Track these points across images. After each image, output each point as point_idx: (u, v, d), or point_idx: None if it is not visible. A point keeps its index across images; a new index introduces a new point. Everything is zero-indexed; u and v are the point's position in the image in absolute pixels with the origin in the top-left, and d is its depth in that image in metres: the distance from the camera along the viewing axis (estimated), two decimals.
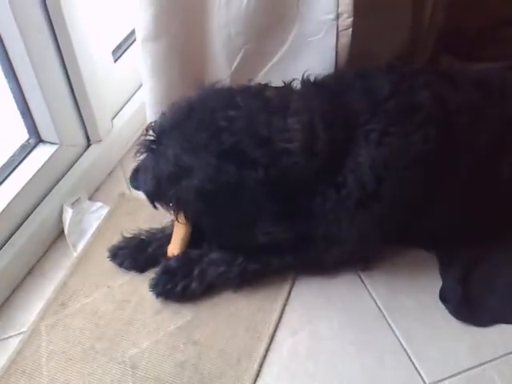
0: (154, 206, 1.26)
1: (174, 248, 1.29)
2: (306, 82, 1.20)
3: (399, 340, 1.20)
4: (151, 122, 1.22)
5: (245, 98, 1.15)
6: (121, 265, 1.33)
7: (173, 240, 1.30)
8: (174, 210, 1.24)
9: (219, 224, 1.20)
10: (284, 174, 1.11)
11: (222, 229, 1.22)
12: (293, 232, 1.21)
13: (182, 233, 1.30)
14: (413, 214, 1.21)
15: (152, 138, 1.20)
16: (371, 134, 1.13)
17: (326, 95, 1.17)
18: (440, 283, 1.26)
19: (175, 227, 1.31)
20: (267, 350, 1.19)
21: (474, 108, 1.18)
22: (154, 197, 1.24)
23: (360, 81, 1.18)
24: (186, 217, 1.23)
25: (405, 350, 1.18)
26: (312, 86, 1.20)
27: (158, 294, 1.26)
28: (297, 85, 1.20)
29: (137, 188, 1.29)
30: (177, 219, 1.25)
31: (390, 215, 1.18)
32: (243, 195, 1.12)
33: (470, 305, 1.21)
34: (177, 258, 1.27)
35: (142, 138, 1.22)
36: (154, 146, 1.20)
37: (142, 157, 1.24)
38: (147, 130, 1.21)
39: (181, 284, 1.25)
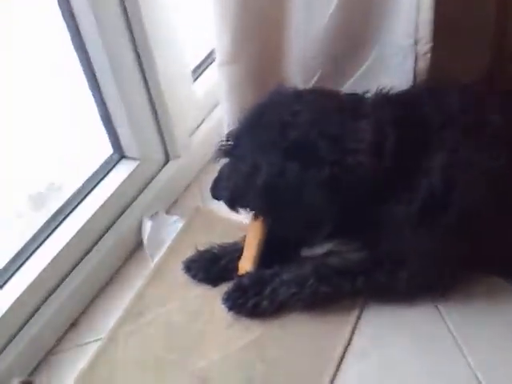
0: (236, 211, 1.28)
1: (245, 264, 1.31)
2: (378, 94, 1.20)
3: (474, 371, 1.15)
4: (229, 130, 1.25)
5: (314, 96, 1.17)
6: (194, 277, 1.36)
7: (244, 256, 1.33)
8: (251, 212, 1.26)
9: (285, 223, 1.21)
10: (349, 175, 1.09)
11: (288, 229, 1.22)
12: (358, 248, 1.21)
13: (254, 249, 1.31)
14: (484, 234, 1.16)
15: (228, 143, 1.23)
16: (446, 142, 1.11)
17: (397, 104, 1.17)
18: None
19: (247, 243, 1.33)
20: (335, 375, 1.17)
21: None
22: (233, 202, 1.26)
23: (432, 95, 1.17)
24: (257, 217, 1.26)
25: (479, 380, 1.13)
26: (384, 97, 1.20)
27: (230, 308, 1.28)
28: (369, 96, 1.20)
29: (217, 198, 1.31)
30: (254, 221, 1.29)
31: (457, 232, 1.14)
32: (305, 194, 1.11)
33: None
34: (250, 275, 1.29)
35: (220, 144, 1.25)
36: (230, 151, 1.23)
37: (220, 163, 1.28)
38: (224, 138, 1.24)
39: (252, 301, 1.26)
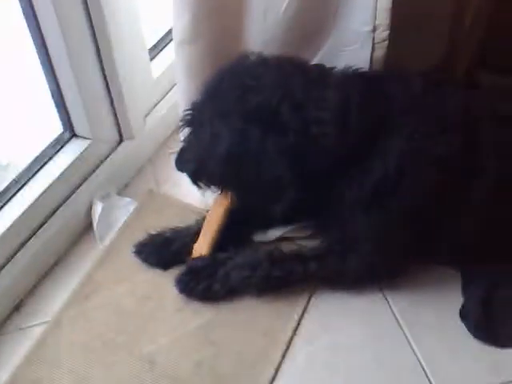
0: (198, 186, 1.25)
1: (201, 248, 1.30)
2: (345, 69, 1.18)
3: (418, 358, 1.18)
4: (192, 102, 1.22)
5: (280, 61, 1.14)
6: (145, 261, 1.34)
7: (201, 240, 1.31)
8: (213, 186, 1.24)
9: (247, 192, 1.19)
10: (312, 145, 1.07)
11: (250, 198, 1.21)
12: (311, 234, 1.20)
13: (213, 233, 1.31)
14: (434, 223, 1.18)
15: (190, 112, 1.19)
16: (405, 127, 1.11)
17: (363, 81, 1.16)
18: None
19: (206, 226, 1.32)
20: (283, 357, 1.18)
21: (500, 119, 1.16)
22: (197, 174, 1.23)
23: (397, 78, 1.18)
24: (218, 188, 1.24)
25: (423, 368, 1.16)
26: (351, 73, 1.18)
27: (181, 290, 1.26)
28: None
29: (181, 170, 1.27)
30: (217, 204, 1.27)
31: (406, 218, 1.15)
32: (266, 161, 1.09)
33: (489, 325, 1.18)
34: (203, 258, 1.28)
35: (183, 114, 1.22)
36: (192, 121, 1.20)
37: (184, 134, 1.25)
38: (187, 108, 1.21)
39: (203, 284, 1.25)
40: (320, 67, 1.18)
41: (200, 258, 1.28)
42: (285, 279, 1.26)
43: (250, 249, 1.29)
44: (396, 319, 1.24)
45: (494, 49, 1.44)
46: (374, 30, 1.16)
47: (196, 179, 1.25)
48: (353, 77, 1.17)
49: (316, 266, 1.25)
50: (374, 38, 1.17)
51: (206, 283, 1.25)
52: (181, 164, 1.26)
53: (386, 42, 1.16)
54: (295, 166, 1.08)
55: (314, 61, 1.27)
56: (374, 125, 1.11)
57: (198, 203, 1.48)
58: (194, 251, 1.32)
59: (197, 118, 1.19)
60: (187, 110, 1.20)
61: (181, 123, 1.24)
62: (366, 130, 1.10)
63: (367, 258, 1.22)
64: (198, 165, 1.21)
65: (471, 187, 1.15)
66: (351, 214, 1.16)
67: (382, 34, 1.16)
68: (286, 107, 1.06)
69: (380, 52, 1.18)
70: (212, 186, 1.25)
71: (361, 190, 1.13)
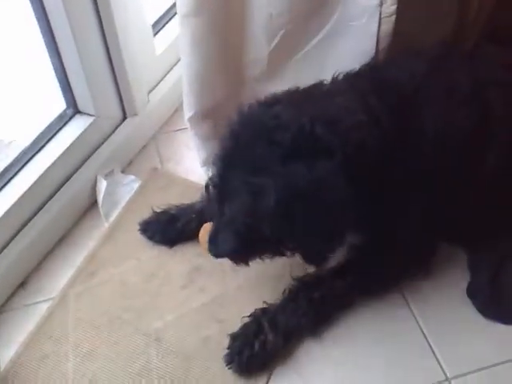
0: (245, 263, 1.14)
1: None
2: (335, 77, 1.15)
3: (425, 335, 1.19)
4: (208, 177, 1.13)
5: (284, 95, 1.09)
6: (151, 238, 1.34)
7: None
8: (266, 253, 1.12)
9: (306, 238, 1.05)
10: (360, 151, 1.00)
11: (311, 243, 1.07)
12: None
13: None
14: (450, 198, 1.15)
15: (214, 188, 1.10)
16: (429, 101, 1.09)
17: (366, 77, 1.13)
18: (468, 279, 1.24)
19: None
20: None
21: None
22: (243, 248, 1.09)
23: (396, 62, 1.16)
24: (271, 253, 1.12)
25: (429, 343, 1.17)
26: (348, 75, 1.15)
27: (239, 365, 1.13)
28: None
29: (221, 255, 1.13)
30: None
31: (440, 196, 1.11)
32: (324, 195, 0.99)
33: (497, 302, 1.19)
34: (240, 328, 1.17)
35: (205, 189, 1.14)
36: (220, 191, 1.08)
37: (211, 214, 1.14)
38: (207, 187, 1.12)
39: (257, 342, 1.14)
40: (317, 84, 1.13)
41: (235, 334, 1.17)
42: (328, 297, 1.19)
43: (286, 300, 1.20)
44: (404, 297, 1.24)
45: (503, 23, 1.42)
46: (382, 3, 1.13)
47: (242, 256, 1.13)
48: (351, 76, 1.14)
49: (352, 273, 1.21)
50: (381, 12, 1.14)
51: (259, 340, 1.15)
52: (219, 247, 1.11)
53: (394, 17, 1.14)
54: (352, 181, 0.99)
55: (321, 35, 1.25)
56: (400, 113, 1.08)
57: (202, 180, 1.47)
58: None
59: (222, 190, 1.08)
60: (208, 182, 1.12)
61: (204, 199, 1.17)
62: (396, 120, 1.07)
63: (406, 248, 1.18)
64: (241, 238, 1.06)
65: (483, 159, 1.13)
66: (394, 205, 1.10)
67: (390, 8, 1.13)
68: (320, 128, 0.98)
69: (387, 26, 1.15)
70: (263, 256, 1.13)
71: (406, 175, 1.07)
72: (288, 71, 1.32)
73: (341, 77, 1.15)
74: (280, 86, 1.32)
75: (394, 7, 1.13)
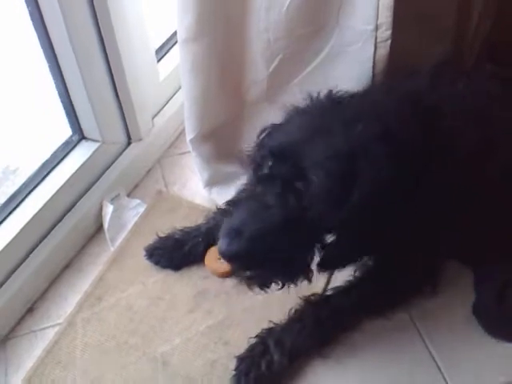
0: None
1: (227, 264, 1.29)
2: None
3: (431, 354, 1.18)
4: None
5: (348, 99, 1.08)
6: (157, 264, 1.35)
7: None
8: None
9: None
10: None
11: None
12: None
13: None
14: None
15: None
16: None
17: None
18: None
19: None
20: None
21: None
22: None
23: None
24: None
25: (436, 362, 1.17)
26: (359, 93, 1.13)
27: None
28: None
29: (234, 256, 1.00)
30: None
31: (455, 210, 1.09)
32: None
33: (503, 321, 1.18)
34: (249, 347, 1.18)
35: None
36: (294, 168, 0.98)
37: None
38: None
39: (263, 362, 1.14)
40: (330, 94, 1.09)
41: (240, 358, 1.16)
42: (334, 317, 1.19)
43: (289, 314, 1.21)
44: (410, 317, 1.24)
45: (502, 43, 1.43)
46: (377, 28, 1.14)
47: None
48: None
49: (358, 292, 1.20)
50: (376, 37, 1.16)
51: (265, 361, 1.15)
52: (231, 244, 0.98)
53: (389, 42, 1.15)
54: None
55: (318, 59, 1.27)
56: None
57: (207, 203, 1.48)
58: (216, 257, 1.30)
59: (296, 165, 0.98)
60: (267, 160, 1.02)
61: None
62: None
63: (415, 268, 1.18)
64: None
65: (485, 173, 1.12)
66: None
67: (385, 33, 1.14)
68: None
69: (383, 51, 1.17)
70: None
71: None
72: (287, 94, 1.33)
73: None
74: (279, 108, 1.35)
75: (389, 32, 1.14)
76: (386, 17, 1.11)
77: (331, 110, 1.04)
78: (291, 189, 0.97)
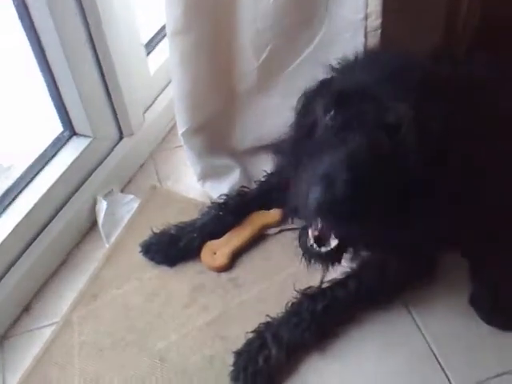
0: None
1: (222, 254, 1.31)
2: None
3: (427, 341, 1.18)
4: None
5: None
6: (152, 259, 1.34)
7: (223, 244, 1.32)
8: None
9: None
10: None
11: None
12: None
13: (240, 241, 1.33)
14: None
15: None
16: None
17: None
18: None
19: (236, 232, 1.34)
20: None
21: None
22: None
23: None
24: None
25: (434, 354, 1.17)
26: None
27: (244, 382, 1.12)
28: None
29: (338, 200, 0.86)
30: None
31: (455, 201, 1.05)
32: None
33: (500, 311, 1.18)
34: (245, 345, 1.17)
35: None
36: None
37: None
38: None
39: (260, 356, 1.13)
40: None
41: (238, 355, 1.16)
42: (331, 309, 1.19)
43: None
44: (407, 308, 1.24)
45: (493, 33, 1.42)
46: (366, 17, 1.13)
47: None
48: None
49: (355, 283, 1.19)
50: (366, 27, 1.15)
51: (262, 355, 1.14)
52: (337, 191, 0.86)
53: (379, 31, 1.14)
54: None
55: (308, 49, 1.26)
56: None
57: (201, 197, 1.48)
58: (211, 252, 1.32)
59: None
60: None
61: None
62: None
63: (411, 258, 1.18)
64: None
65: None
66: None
67: (375, 22, 1.13)
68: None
69: (373, 40, 1.16)
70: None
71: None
72: (279, 84, 1.32)
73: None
74: (272, 98, 1.35)
75: (379, 21, 1.13)
76: (375, 5, 1.10)
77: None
78: (380, 125, 0.92)
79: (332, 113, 0.96)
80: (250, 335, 1.18)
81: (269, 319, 1.19)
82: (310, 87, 1.11)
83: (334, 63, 1.08)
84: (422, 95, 0.93)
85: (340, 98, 0.96)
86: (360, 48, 1.18)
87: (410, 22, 1.20)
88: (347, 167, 0.87)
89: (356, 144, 0.90)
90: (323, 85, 1.09)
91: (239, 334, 1.19)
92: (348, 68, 1.06)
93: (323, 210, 0.86)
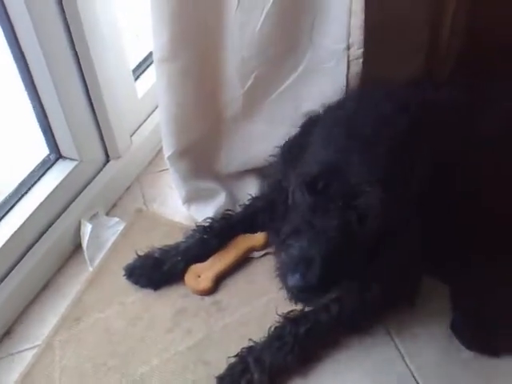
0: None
1: (206, 277, 1.31)
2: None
3: (408, 365, 1.19)
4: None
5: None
6: (136, 283, 1.34)
7: (207, 268, 1.33)
8: None
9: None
10: None
11: None
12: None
13: (224, 265, 1.33)
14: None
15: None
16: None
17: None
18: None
19: (221, 255, 1.34)
20: None
21: None
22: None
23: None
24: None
25: (414, 377, 1.17)
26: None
27: None
28: None
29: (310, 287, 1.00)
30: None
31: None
32: None
33: (480, 335, 1.19)
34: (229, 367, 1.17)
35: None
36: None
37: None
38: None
39: (243, 381, 1.14)
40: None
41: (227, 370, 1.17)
42: (314, 333, 1.18)
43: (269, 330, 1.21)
44: (389, 332, 1.24)
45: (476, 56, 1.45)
46: (349, 47, 1.16)
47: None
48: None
49: (338, 307, 1.19)
50: (349, 55, 1.18)
51: (245, 379, 1.14)
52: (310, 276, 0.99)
53: (361, 60, 1.17)
54: None
55: (293, 77, 1.28)
56: None
57: (186, 220, 1.48)
58: (195, 275, 1.32)
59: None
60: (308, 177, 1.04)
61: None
62: None
63: (393, 283, 1.19)
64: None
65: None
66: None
67: (357, 51, 1.16)
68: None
69: (355, 69, 1.19)
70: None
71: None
72: (263, 111, 1.35)
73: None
74: (257, 124, 1.37)
75: (361, 50, 1.16)
76: (357, 35, 1.13)
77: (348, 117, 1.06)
78: (351, 206, 0.99)
79: (304, 195, 1.04)
80: (233, 359, 1.18)
81: (251, 343, 1.19)
82: (289, 140, 1.16)
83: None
84: (390, 166, 0.99)
85: (310, 183, 1.03)
86: (343, 77, 1.21)
87: (392, 50, 1.24)
88: (320, 253, 0.98)
89: (327, 227, 0.99)
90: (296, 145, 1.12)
91: (222, 359, 1.18)
92: (318, 129, 1.10)
93: (300, 295, 1.04)
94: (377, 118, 1.03)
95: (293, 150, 1.17)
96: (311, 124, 1.16)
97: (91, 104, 1.43)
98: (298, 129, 1.19)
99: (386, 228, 1.02)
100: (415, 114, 1.05)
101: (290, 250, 1.02)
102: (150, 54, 1.60)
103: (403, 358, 1.20)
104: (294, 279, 0.99)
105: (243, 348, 1.19)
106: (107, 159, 1.55)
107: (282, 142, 1.22)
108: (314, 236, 0.99)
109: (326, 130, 1.07)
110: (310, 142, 1.09)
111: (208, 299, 1.31)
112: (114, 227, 1.49)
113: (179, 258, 1.34)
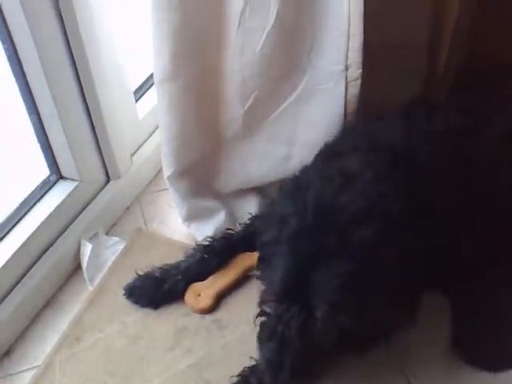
0: None
1: (206, 296, 1.31)
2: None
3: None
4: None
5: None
6: (136, 303, 1.34)
7: (207, 287, 1.33)
8: None
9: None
10: None
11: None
12: None
13: (226, 282, 1.34)
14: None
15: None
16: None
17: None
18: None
19: (222, 273, 1.35)
20: None
21: None
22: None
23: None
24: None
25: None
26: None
27: None
28: None
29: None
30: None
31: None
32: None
33: (482, 351, 1.19)
34: None
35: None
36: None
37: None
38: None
39: None
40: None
41: None
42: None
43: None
44: (388, 350, 1.23)
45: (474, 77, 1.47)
46: (347, 68, 1.19)
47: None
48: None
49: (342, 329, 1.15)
50: (347, 77, 1.20)
51: None
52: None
53: (359, 81, 1.19)
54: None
55: (292, 97, 1.30)
56: None
57: (186, 239, 1.49)
58: (195, 294, 1.32)
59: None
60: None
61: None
62: None
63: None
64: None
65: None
66: None
67: (355, 72, 1.18)
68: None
69: (353, 90, 1.21)
70: None
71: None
72: (263, 130, 1.37)
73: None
74: (257, 144, 1.38)
75: (359, 72, 1.18)
76: (355, 57, 1.16)
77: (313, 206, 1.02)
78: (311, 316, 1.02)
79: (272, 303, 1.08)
80: (235, 379, 1.17)
81: (253, 361, 1.19)
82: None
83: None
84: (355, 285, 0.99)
85: (278, 296, 1.06)
86: (341, 98, 1.22)
87: (390, 72, 1.26)
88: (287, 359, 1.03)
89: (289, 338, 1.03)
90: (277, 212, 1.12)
91: (223, 377, 1.17)
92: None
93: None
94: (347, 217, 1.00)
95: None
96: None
97: (92, 125, 1.45)
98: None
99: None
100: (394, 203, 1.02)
101: (262, 351, 1.08)
102: (151, 76, 1.64)
103: (407, 377, 1.19)
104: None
105: (245, 367, 1.18)
106: (107, 179, 1.56)
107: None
108: (280, 345, 1.03)
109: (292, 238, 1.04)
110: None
111: (208, 317, 1.31)
112: (114, 247, 1.49)
113: (180, 278, 1.34)
